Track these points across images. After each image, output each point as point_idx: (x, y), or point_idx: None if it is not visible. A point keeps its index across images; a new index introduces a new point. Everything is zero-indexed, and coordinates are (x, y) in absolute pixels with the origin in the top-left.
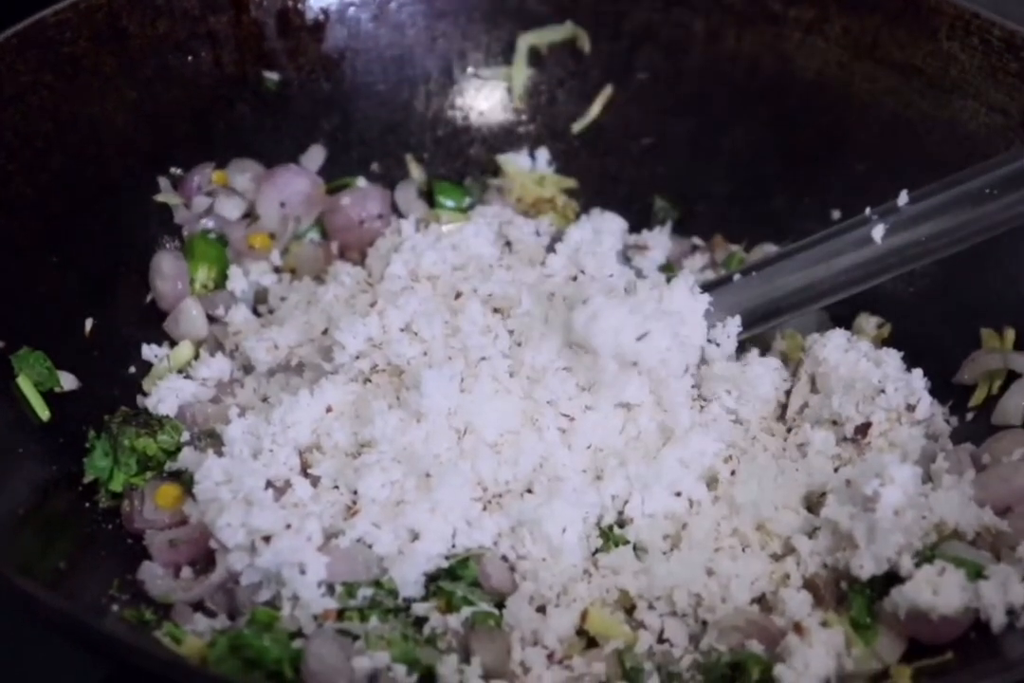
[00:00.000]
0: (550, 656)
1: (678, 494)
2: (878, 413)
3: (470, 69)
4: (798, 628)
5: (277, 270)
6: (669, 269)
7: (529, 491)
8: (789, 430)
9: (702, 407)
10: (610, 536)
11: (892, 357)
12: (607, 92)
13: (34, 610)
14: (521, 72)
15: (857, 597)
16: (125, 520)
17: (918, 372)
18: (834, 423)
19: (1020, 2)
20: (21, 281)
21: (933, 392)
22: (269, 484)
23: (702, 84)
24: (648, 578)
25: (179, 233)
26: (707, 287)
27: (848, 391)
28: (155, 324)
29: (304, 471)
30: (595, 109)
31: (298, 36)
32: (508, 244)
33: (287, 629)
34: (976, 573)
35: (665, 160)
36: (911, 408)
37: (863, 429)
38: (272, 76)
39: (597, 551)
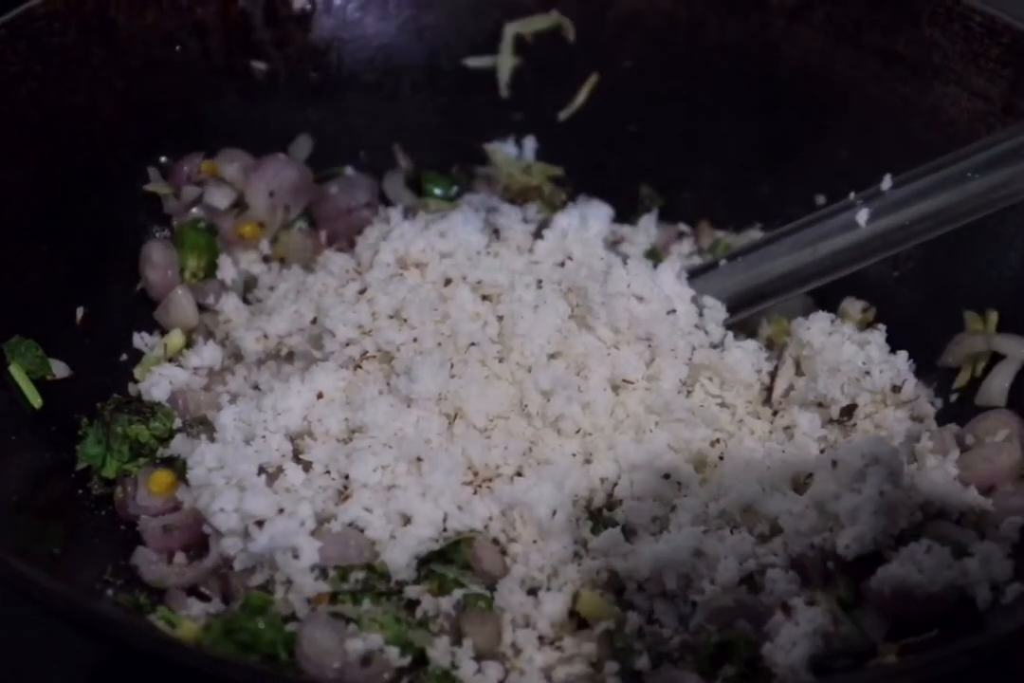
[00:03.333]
0: (541, 637)
1: (666, 476)
2: (863, 395)
3: (456, 58)
4: (785, 607)
5: (266, 259)
6: (655, 255)
7: (519, 474)
8: (775, 413)
9: (689, 392)
10: (599, 518)
11: (876, 339)
12: (593, 80)
13: (33, 593)
14: (507, 61)
15: (843, 576)
16: (118, 506)
17: (903, 354)
18: (820, 405)
19: None
20: (12, 270)
21: (918, 374)
22: (261, 470)
23: (687, 72)
24: (637, 560)
25: (169, 222)
26: (693, 273)
27: (833, 374)
28: (145, 313)
29: (296, 457)
30: (581, 97)
31: (285, 26)
32: (495, 232)
33: (281, 613)
34: (961, 551)
35: (651, 147)
36: (896, 390)
37: (848, 411)
38: (260, 66)
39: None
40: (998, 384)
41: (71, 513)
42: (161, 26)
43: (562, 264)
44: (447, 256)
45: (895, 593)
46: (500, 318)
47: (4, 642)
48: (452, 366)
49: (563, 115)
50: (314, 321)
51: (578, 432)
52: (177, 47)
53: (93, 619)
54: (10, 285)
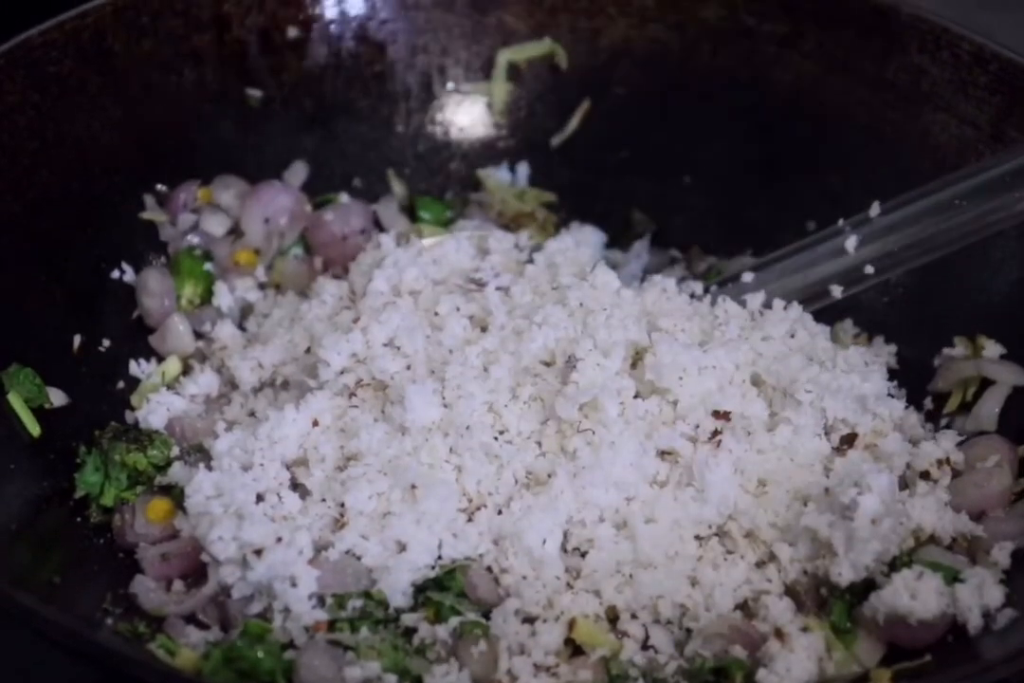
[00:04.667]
0: (537, 665)
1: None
2: (861, 422)
3: (450, 85)
4: (779, 633)
5: (262, 286)
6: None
7: (511, 503)
8: None
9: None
10: (592, 546)
11: (875, 368)
12: (585, 106)
13: (33, 624)
14: (500, 87)
15: (837, 603)
16: (117, 534)
17: (894, 381)
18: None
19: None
20: (10, 298)
21: (908, 399)
22: (259, 498)
23: (678, 98)
24: (632, 589)
25: (165, 250)
26: None
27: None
28: (142, 340)
29: (293, 484)
30: (573, 123)
31: (280, 54)
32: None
33: (279, 641)
34: (952, 577)
35: (643, 174)
36: (888, 415)
37: (850, 440)
38: (255, 93)
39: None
40: (988, 409)
41: (70, 541)
42: (157, 54)
43: (554, 288)
44: (440, 283)
45: (887, 619)
46: (491, 347)
47: (4, 659)
48: (445, 395)
49: (556, 141)
50: (308, 350)
51: (572, 458)
52: (173, 75)
53: (95, 651)
54: (7, 313)
